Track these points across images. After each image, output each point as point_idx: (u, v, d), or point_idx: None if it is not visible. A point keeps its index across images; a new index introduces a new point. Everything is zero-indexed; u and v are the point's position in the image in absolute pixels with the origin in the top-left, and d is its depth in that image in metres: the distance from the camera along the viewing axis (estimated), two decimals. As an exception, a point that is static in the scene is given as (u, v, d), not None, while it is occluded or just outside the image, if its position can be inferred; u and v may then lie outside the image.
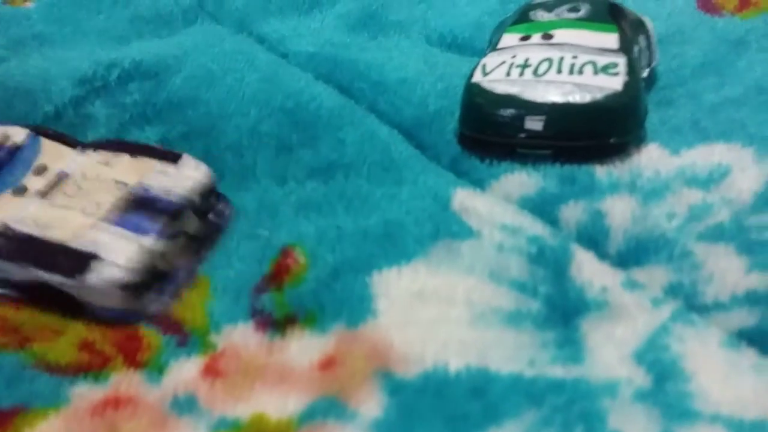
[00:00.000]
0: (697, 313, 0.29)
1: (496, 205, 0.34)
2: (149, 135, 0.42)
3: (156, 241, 0.30)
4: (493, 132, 0.37)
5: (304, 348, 0.28)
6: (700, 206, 0.33)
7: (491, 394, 0.25)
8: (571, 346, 0.27)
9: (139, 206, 0.31)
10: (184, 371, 0.28)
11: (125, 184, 0.32)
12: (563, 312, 0.28)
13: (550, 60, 0.37)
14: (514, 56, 0.38)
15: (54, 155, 0.34)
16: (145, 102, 0.44)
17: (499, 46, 0.40)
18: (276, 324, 0.29)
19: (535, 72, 0.37)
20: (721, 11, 0.49)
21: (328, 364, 0.27)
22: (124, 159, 0.34)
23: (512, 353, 0.27)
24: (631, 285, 0.30)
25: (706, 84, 0.42)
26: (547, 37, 0.39)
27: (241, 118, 0.42)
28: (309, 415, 0.26)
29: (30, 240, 0.30)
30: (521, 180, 0.36)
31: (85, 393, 0.28)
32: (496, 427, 0.24)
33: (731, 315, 0.29)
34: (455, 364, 0.26)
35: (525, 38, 0.40)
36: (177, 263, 0.31)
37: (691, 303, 0.29)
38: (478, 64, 0.39)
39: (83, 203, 0.31)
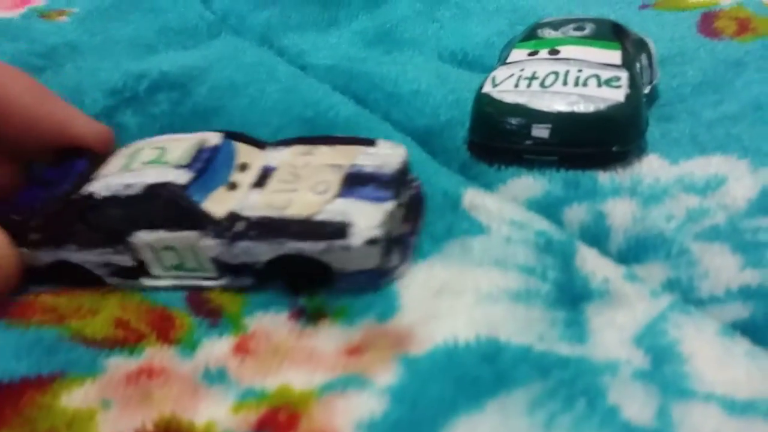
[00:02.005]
0: (693, 306, 0.30)
1: (505, 204, 0.36)
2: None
3: (393, 206, 0.31)
4: (501, 139, 0.39)
5: (332, 336, 0.30)
6: (697, 210, 0.35)
7: (502, 362, 0.27)
8: (576, 327, 0.29)
9: (365, 181, 0.32)
10: (216, 348, 0.30)
11: (340, 166, 0.33)
12: (571, 295, 0.30)
13: (556, 73, 0.40)
14: (522, 69, 0.41)
15: (250, 154, 0.35)
16: (172, 112, 0.47)
17: (509, 60, 0.43)
18: (308, 316, 0.31)
19: (542, 84, 0.39)
20: (721, 35, 0.52)
21: (354, 350, 0.29)
22: (323, 149, 0.35)
23: (523, 327, 0.29)
24: (632, 277, 0.31)
25: (705, 101, 0.44)
26: (554, 52, 0.42)
27: (263, 127, 0.44)
28: (331, 386, 0.27)
29: (273, 220, 0.31)
30: (528, 183, 0.38)
31: (119, 364, 0.29)
32: (506, 393, 0.26)
33: (726, 308, 0.30)
34: (465, 336, 0.28)
35: (533, 53, 0.42)
36: (402, 228, 0.33)
37: (687, 297, 0.31)
38: (488, 76, 0.41)
39: (310, 184, 0.32)
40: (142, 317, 0.32)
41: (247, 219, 0.31)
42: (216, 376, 0.29)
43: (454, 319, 0.29)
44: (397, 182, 0.33)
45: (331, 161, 0.34)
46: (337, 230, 0.30)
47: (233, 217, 0.31)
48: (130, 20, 0.57)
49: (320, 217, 0.30)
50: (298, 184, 0.33)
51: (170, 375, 0.29)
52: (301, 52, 0.53)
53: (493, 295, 0.30)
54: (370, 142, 0.35)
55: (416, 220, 0.35)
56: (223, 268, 0.32)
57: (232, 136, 0.36)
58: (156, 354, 0.30)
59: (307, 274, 0.31)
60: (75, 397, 0.28)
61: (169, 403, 0.28)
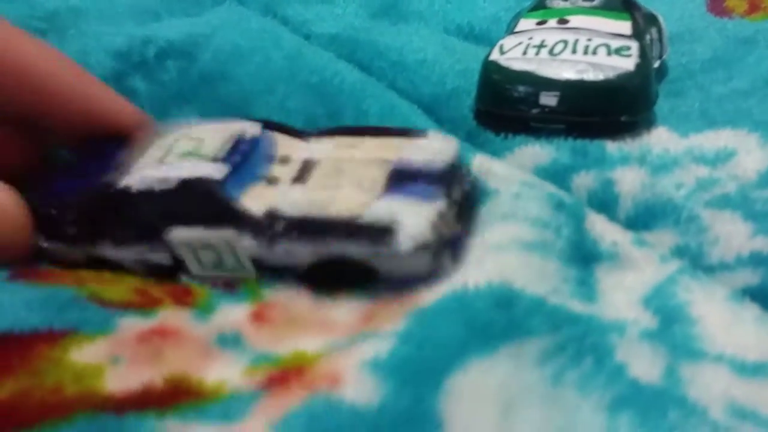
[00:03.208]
0: (702, 272, 0.30)
1: (513, 169, 0.35)
2: (188, 113, 0.43)
3: (445, 204, 0.29)
4: (508, 107, 0.39)
5: (349, 307, 0.29)
6: (707, 179, 0.34)
7: (515, 310, 0.26)
8: (586, 286, 0.28)
9: (414, 177, 0.30)
10: (231, 314, 0.29)
11: (386, 161, 0.31)
12: (582, 254, 0.30)
13: (565, 41, 0.39)
14: (530, 38, 0.40)
15: (290, 146, 0.33)
16: (181, 80, 0.45)
17: (516, 29, 0.42)
18: (326, 289, 0.30)
19: (550, 52, 0.39)
20: (731, 14, 0.51)
21: (368, 318, 0.28)
22: (367, 141, 0.33)
23: (538, 277, 0.28)
24: (641, 243, 0.31)
25: (715, 77, 0.44)
26: (563, 22, 0.41)
27: (269, 95, 0.44)
28: (341, 345, 0.27)
29: (316, 219, 0.29)
30: (535, 152, 0.37)
31: (133, 324, 0.28)
32: (518, 342, 0.25)
33: (736, 274, 0.30)
34: (476, 281, 0.27)
35: (541, 23, 0.42)
36: (454, 228, 0.30)
37: (697, 263, 0.31)
38: (495, 45, 0.41)
39: (354, 181, 0.30)
40: (161, 288, 0.31)
41: (287, 218, 0.29)
42: (230, 340, 0.28)
43: (464, 269, 0.28)
44: (448, 178, 0.30)
45: (377, 155, 0.31)
46: (385, 232, 0.27)
47: (272, 215, 0.29)
48: (133, -15, 0.56)
49: (366, 217, 0.28)
50: (341, 179, 0.30)
51: (183, 336, 0.28)
52: (305, 21, 0.52)
53: (505, 246, 0.29)
54: (420, 134, 0.33)
55: (469, 219, 0.32)
56: (264, 268, 0.30)
57: (270, 125, 0.34)
58: (170, 316, 0.29)
59: (352, 278, 0.29)
60: (85, 353, 0.27)
61: (180, 363, 0.27)
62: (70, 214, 0.32)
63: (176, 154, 0.32)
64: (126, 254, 0.32)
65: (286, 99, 0.43)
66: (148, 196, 0.30)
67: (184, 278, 0.32)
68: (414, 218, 0.28)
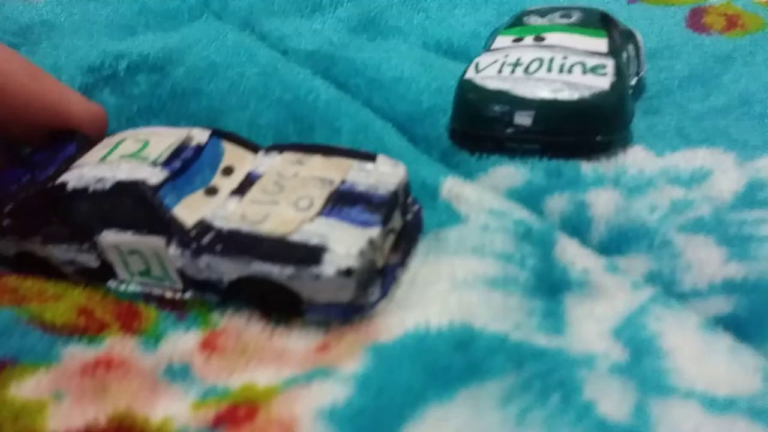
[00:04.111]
0: (675, 300, 0.29)
1: (484, 193, 0.34)
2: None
3: (380, 233, 0.28)
4: (483, 126, 0.38)
5: (303, 335, 0.28)
6: (682, 201, 0.34)
7: (475, 350, 0.25)
8: (554, 318, 0.28)
9: (354, 201, 0.29)
10: (181, 343, 0.28)
11: (330, 181, 0.30)
12: (549, 284, 0.29)
13: (540, 59, 0.38)
14: (506, 55, 0.40)
15: (237, 157, 0.32)
16: (151, 93, 0.45)
17: (493, 47, 0.42)
18: (281, 315, 0.29)
19: (526, 70, 0.38)
20: (709, 30, 0.51)
21: (323, 347, 0.28)
22: (317, 159, 0.32)
23: (499, 314, 0.27)
24: (613, 269, 0.30)
25: (692, 95, 0.44)
26: (539, 39, 0.41)
27: (240, 111, 0.43)
28: (295, 380, 0.26)
29: (244, 235, 0.28)
30: (509, 172, 0.37)
31: (77, 353, 0.28)
32: (478, 384, 0.24)
33: (708, 302, 0.30)
34: (437, 321, 0.27)
35: (518, 40, 0.41)
36: (389, 259, 0.30)
37: (669, 290, 0.30)
38: (471, 63, 0.40)
39: (292, 198, 0.29)
40: (107, 308, 0.30)
41: (216, 230, 0.28)
42: (178, 373, 0.27)
43: (427, 305, 0.28)
44: (389, 205, 0.29)
45: (321, 174, 0.31)
46: (310, 255, 0.27)
47: (202, 227, 0.29)
48: (108, 1, 0.55)
49: (294, 238, 0.27)
50: (280, 195, 0.30)
51: (130, 368, 0.27)
52: (282, 36, 0.51)
53: (469, 282, 0.29)
54: (369, 157, 0.32)
55: (407, 249, 0.31)
56: (188, 281, 0.29)
57: (221, 135, 0.33)
58: (117, 344, 0.28)
59: (274, 300, 0.28)
60: (25, 387, 0.26)
61: (126, 398, 0.26)
62: (6, 206, 0.32)
63: (118, 154, 0.31)
64: (55, 252, 0.31)
65: (257, 116, 0.43)
66: (82, 195, 0.30)
67: (111, 283, 0.31)
68: (343, 243, 0.27)
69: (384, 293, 0.29)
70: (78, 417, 0.25)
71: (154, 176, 0.29)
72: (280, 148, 0.34)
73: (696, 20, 0.53)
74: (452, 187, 0.35)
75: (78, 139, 0.36)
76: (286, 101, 0.43)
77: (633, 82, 0.42)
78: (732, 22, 0.52)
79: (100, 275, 0.31)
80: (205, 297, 0.30)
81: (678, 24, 0.53)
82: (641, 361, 0.26)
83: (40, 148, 0.36)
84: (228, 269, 0.28)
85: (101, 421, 0.25)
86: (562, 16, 0.42)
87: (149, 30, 0.52)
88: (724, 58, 0.47)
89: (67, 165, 0.33)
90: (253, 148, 0.34)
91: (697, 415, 0.24)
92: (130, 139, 0.33)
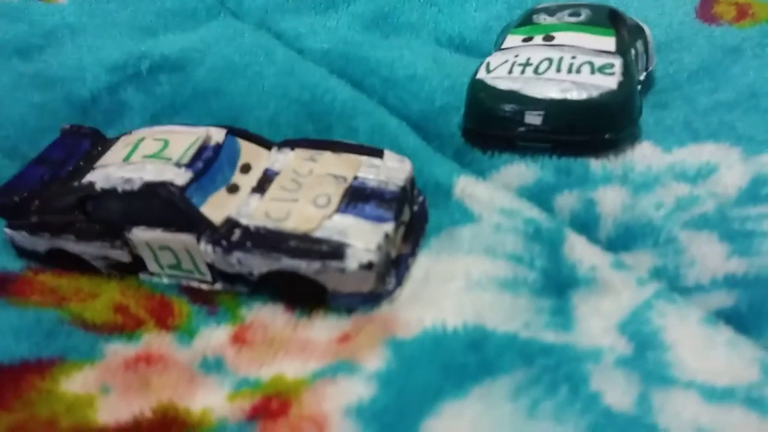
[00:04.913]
0: (678, 294, 0.31)
1: (496, 191, 0.36)
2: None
3: (393, 227, 0.31)
4: (495, 126, 0.39)
5: (325, 326, 0.31)
6: (687, 198, 0.35)
7: (487, 349, 0.27)
8: (562, 315, 0.30)
9: (367, 197, 0.31)
10: (213, 337, 0.31)
11: (344, 178, 0.32)
12: (557, 283, 0.31)
13: (550, 59, 0.40)
14: (516, 55, 0.41)
15: (253, 154, 0.34)
16: (173, 92, 0.47)
17: (503, 46, 0.43)
18: (303, 307, 0.31)
19: (535, 70, 0.39)
20: (719, 21, 0.52)
21: (344, 338, 0.30)
22: (328, 155, 0.34)
23: (509, 315, 0.29)
24: (619, 265, 0.32)
25: (701, 88, 0.44)
26: (549, 38, 0.42)
27: (261, 110, 0.45)
28: (322, 373, 0.28)
29: (271, 232, 0.30)
30: (520, 171, 0.38)
31: (118, 349, 0.30)
32: (491, 380, 0.27)
33: (710, 296, 0.31)
34: (453, 322, 0.29)
35: (527, 39, 0.42)
36: (401, 250, 0.32)
37: (673, 285, 0.32)
38: (482, 62, 0.41)
39: (310, 196, 0.31)
40: (141, 303, 0.32)
41: (244, 227, 0.30)
42: (213, 365, 0.29)
43: (443, 304, 0.30)
44: (399, 200, 0.32)
45: (334, 171, 0.33)
46: (334, 251, 0.29)
47: (231, 224, 0.31)
48: (128, 3, 0.57)
49: (318, 234, 0.30)
50: (299, 193, 0.32)
51: (168, 362, 0.29)
52: (298, 35, 0.53)
53: (482, 283, 0.31)
54: (377, 153, 0.34)
55: (416, 239, 0.34)
56: (218, 274, 0.32)
57: (236, 133, 0.35)
58: (154, 340, 0.30)
59: (300, 291, 0.31)
60: (74, 383, 0.29)
61: (167, 391, 0.28)
62: (33, 204, 0.34)
63: (141, 154, 0.33)
64: (87, 249, 0.33)
65: (277, 115, 0.44)
66: (112, 195, 0.32)
67: (142, 276, 0.33)
68: (362, 239, 0.29)
69: (398, 282, 0.31)
70: (125, 409, 0.27)
71: (180, 177, 0.31)
72: (291, 144, 0.36)
73: (706, 10, 0.53)
74: (465, 186, 0.36)
75: (90, 134, 0.38)
76: (304, 100, 0.45)
77: (642, 77, 0.43)
78: (742, 12, 0.52)
79: (131, 268, 0.33)
80: (235, 288, 0.32)
81: (688, 14, 0.53)
82: (645, 354, 0.28)
83: (51, 144, 0.38)
84: (258, 264, 0.30)
85: (147, 413, 0.27)
86: (571, 14, 0.43)
87: (169, 30, 0.54)
88: (733, 50, 0.47)
89: (86, 161, 0.35)
90: (266, 144, 0.36)
91: (697, 405, 0.26)
92: (148, 139, 0.34)
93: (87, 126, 0.40)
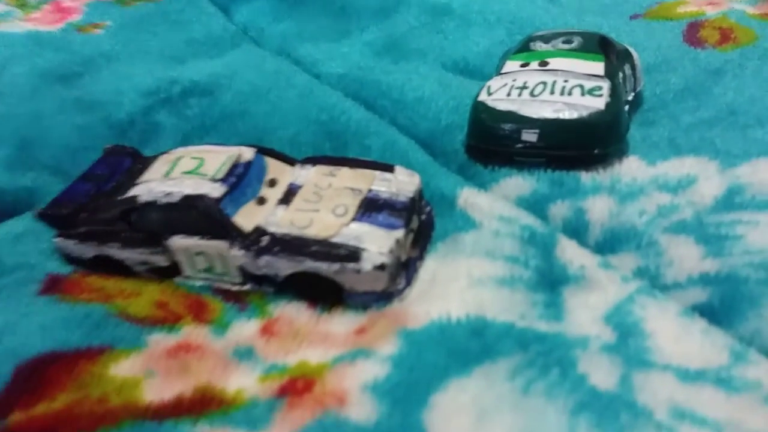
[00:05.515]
0: (658, 291, 0.35)
1: (495, 201, 0.40)
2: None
3: (404, 234, 0.35)
4: (494, 143, 0.44)
5: (344, 321, 0.34)
6: (668, 206, 0.39)
7: (488, 336, 0.31)
8: (553, 307, 0.33)
9: (380, 207, 0.36)
10: (244, 330, 0.34)
11: (359, 191, 0.36)
12: (550, 280, 0.35)
13: (544, 83, 0.44)
14: (514, 79, 0.45)
15: (279, 171, 0.39)
16: (203, 115, 0.52)
17: (503, 71, 0.47)
18: (323, 304, 0.35)
19: (531, 93, 0.43)
20: (704, 44, 0.56)
21: (360, 330, 0.34)
22: (345, 170, 0.38)
23: (507, 307, 0.33)
24: (605, 265, 0.36)
25: (685, 107, 0.48)
26: (544, 64, 0.46)
27: (283, 130, 0.49)
28: (341, 358, 0.32)
29: (295, 238, 0.34)
30: (518, 183, 0.42)
31: (160, 340, 0.34)
32: (491, 362, 0.30)
33: (687, 293, 0.35)
34: (457, 314, 0.33)
35: (525, 65, 0.47)
36: (410, 254, 0.36)
37: (654, 282, 0.35)
38: (484, 86, 0.46)
39: (330, 206, 0.35)
40: (179, 301, 0.36)
41: (271, 235, 0.35)
42: (244, 354, 0.33)
43: (448, 299, 0.34)
44: (409, 210, 0.36)
45: (351, 184, 0.37)
46: (351, 254, 0.33)
47: (259, 232, 0.35)
48: (158, 32, 0.62)
49: (336, 240, 0.34)
50: (320, 204, 0.36)
51: (205, 351, 0.33)
52: (315, 61, 0.57)
53: (483, 281, 0.35)
54: (388, 168, 0.38)
55: (424, 244, 0.38)
56: (248, 276, 0.36)
57: (264, 151, 0.39)
58: (192, 332, 0.34)
59: (321, 290, 0.35)
60: (122, 368, 0.33)
61: (205, 374, 0.32)
62: (81, 215, 0.38)
63: (180, 171, 0.37)
64: (130, 255, 0.37)
65: (298, 134, 0.49)
66: (153, 207, 0.36)
67: (178, 279, 0.37)
68: (376, 244, 0.34)
69: (408, 282, 0.35)
70: (168, 390, 0.31)
71: (215, 191, 0.36)
72: (312, 161, 0.40)
73: (693, 34, 0.57)
74: (468, 197, 0.40)
75: (130, 153, 0.43)
76: (322, 121, 0.49)
77: (630, 97, 0.47)
78: (725, 36, 0.56)
79: (169, 272, 0.37)
80: (263, 289, 0.36)
81: (676, 38, 0.57)
82: (627, 342, 0.32)
83: (96, 162, 0.42)
84: (284, 266, 0.34)
85: (187, 393, 0.31)
86: (565, 41, 0.48)
87: (197, 58, 0.59)
88: (715, 72, 0.51)
89: (128, 177, 0.39)
90: (290, 161, 0.40)
91: (672, 384, 0.30)
92: (186, 157, 0.38)
93: (125, 146, 0.44)
